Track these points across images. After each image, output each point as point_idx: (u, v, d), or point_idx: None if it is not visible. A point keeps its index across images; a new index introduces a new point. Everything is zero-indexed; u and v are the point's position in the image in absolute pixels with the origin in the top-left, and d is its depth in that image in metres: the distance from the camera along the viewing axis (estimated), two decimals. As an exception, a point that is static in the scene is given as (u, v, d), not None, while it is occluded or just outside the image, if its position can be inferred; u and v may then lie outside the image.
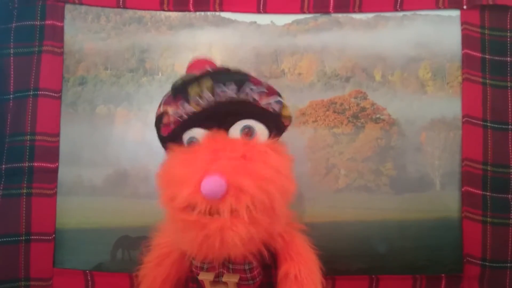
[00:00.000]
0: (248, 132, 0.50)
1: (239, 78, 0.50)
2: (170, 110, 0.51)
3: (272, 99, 0.51)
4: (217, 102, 0.50)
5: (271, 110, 0.52)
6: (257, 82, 0.51)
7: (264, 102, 0.51)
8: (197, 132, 0.51)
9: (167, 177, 0.49)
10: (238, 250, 0.46)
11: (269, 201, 0.46)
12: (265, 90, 0.51)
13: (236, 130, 0.50)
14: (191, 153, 0.49)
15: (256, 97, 0.51)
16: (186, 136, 0.51)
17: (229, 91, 0.49)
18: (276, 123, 0.53)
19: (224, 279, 0.53)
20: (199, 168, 0.46)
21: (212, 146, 0.48)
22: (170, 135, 0.52)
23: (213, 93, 0.49)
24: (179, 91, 0.51)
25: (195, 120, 0.51)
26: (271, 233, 0.51)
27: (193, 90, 0.50)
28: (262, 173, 0.46)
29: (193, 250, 0.48)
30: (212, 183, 0.44)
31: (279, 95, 0.53)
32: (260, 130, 0.51)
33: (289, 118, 0.54)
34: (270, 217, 0.48)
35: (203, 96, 0.49)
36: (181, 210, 0.46)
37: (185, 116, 0.51)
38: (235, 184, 0.45)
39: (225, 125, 0.50)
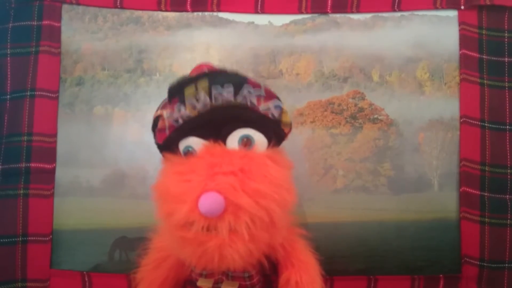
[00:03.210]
0: (247, 142, 0.49)
1: (237, 80, 0.49)
2: (165, 113, 0.50)
3: (271, 104, 0.51)
4: (213, 107, 0.49)
5: (270, 116, 0.51)
6: (255, 85, 0.50)
7: (262, 106, 0.50)
8: (194, 142, 0.50)
9: (163, 192, 0.48)
10: (238, 265, 0.46)
11: (268, 217, 0.46)
12: (263, 94, 0.50)
13: (234, 140, 0.49)
14: (187, 166, 0.48)
15: (254, 101, 0.50)
16: (182, 145, 0.50)
17: (226, 94, 0.48)
18: (276, 130, 0.52)
19: (223, 286, 0.52)
20: (196, 184, 0.45)
21: (209, 160, 0.47)
22: (165, 142, 0.51)
23: (209, 95, 0.48)
24: (175, 92, 0.50)
25: (191, 128, 0.49)
26: (272, 245, 0.50)
27: (188, 91, 0.48)
28: (261, 189, 0.45)
29: (192, 263, 0.48)
30: (210, 201, 0.43)
31: (278, 99, 0.52)
32: (259, 139, 0.50)
33: (289, 125, 0.53)
34: (270, 232, 0.47)
35: (199, 98, 0.48)
36: (179, 227, 0.46)
37: (181, 121, 0.49)
38: (234, 201, 0.44)
39: (223, 134, 0.49)
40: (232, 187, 0.44)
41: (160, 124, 0.51)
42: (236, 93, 0.49)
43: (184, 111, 0.49)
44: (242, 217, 0.44)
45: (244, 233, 0.44)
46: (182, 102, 0.49)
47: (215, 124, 0.49)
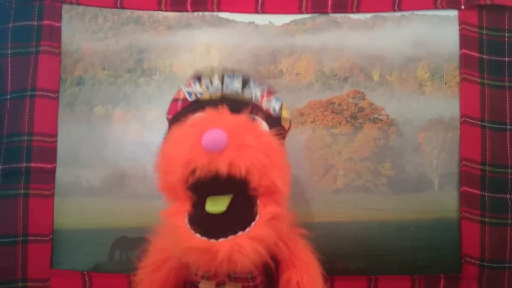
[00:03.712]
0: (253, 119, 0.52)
1: (245, 75, 0.56)
2: (183, 86, 0.56)
3: (273, 98, 0.55)
4: (223, 98, 0.54)
5: (272, 112, 0.54)
6: (259, 82, 0.56)
7: (265, 100, 0.54)
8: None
9: (163, 152, 0.48)
10: (246, 268, 0.46)
11: (268, 162, 0.45)
12: (266, 89, 0.55)
13: None
14: (187, 124, 0.49)
15: (258, 94, 0.55)
16: (189, 120, 0.52)
17: (236, 84, 0.54)
18: (277, 128, 0.53)
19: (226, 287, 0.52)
20: (198, 130, 0.45)
21: (209, 116, 0.49)
22: (176, 116, 0.54)
23: (222, 81, 0.55)
24: (196, 75, 0.57)
25: (200, 105, 0.53)
26: (277, 243, 0.50)
27: (206, 74, 0.56)
28: (262, 133, 0.48)
29: (199, 269, 0.47)
30: (214, 136, 0.43)
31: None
32: (264, 126, 0.53)
33: (288, 121, 0.56)
34: (271, 191, 0.47)
35: (213, 81, 0.55)
36: (180, 177, 0.45)
37: (193, 96, 0.55)
38: (237, 138, 0.44)
39: None
40: (235, 126, 0.46)
41: (176, 95, 0.56)
42: (243, 86, 0.55)
43: (199, 88, 0.55)
44: (244, 155, 0.44)
45: (246, 164, 0.44)
46: (199, 80, 0.55)
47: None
